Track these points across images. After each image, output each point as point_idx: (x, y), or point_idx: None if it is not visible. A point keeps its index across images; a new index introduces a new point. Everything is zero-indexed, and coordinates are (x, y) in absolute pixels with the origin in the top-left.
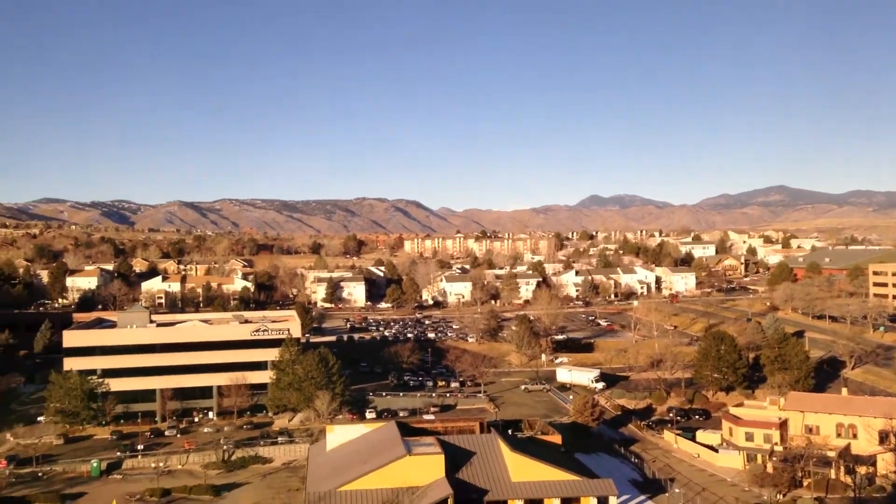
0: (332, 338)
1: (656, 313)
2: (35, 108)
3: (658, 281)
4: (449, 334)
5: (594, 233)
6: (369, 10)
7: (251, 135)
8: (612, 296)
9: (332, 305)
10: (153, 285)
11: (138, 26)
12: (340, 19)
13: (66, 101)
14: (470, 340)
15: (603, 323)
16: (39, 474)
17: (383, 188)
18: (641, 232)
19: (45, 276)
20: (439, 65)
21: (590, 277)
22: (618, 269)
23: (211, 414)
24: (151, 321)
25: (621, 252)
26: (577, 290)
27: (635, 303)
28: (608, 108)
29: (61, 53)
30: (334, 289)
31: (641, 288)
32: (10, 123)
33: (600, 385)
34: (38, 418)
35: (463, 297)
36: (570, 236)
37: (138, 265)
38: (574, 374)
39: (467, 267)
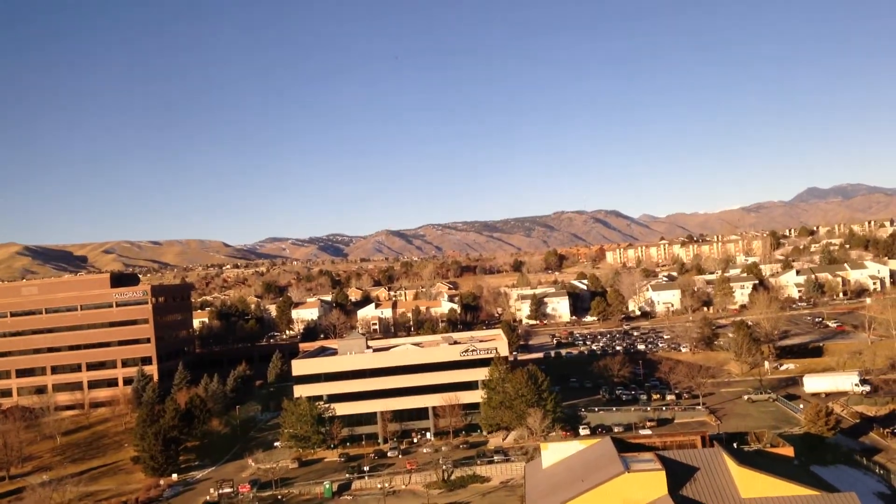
0: (540, 354)
1: (894, 310)
2: (258, 159)
3: (893, 275)
4: (660, 345)
5: (814, 228)
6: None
7: (450, 161)
8: (840, 294)
9: (537, 322)
10: (367, 312)
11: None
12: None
13: (283, 153)
14: (683, 350)
15: (831, 324)
16: (279, 497)
17: (581, 200)
18: (869, 223)
19: (272, 309)
20: (622, 66)
21: (813, 276)
22: (845, 265)
23: (428, 434)
24: (368, 347)
25: (847, 246)
26: (798, 291)
27: (868, 300)
28: (822, 87)
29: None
30: (538, 305)
31: (874, 284)
32: (237, 174)
33: (866, 388)
34: (275, 444)
35: (672, 305)
36: (786, 234)
37: (353, 294)
38: (826, 380)
39: (674, 274)
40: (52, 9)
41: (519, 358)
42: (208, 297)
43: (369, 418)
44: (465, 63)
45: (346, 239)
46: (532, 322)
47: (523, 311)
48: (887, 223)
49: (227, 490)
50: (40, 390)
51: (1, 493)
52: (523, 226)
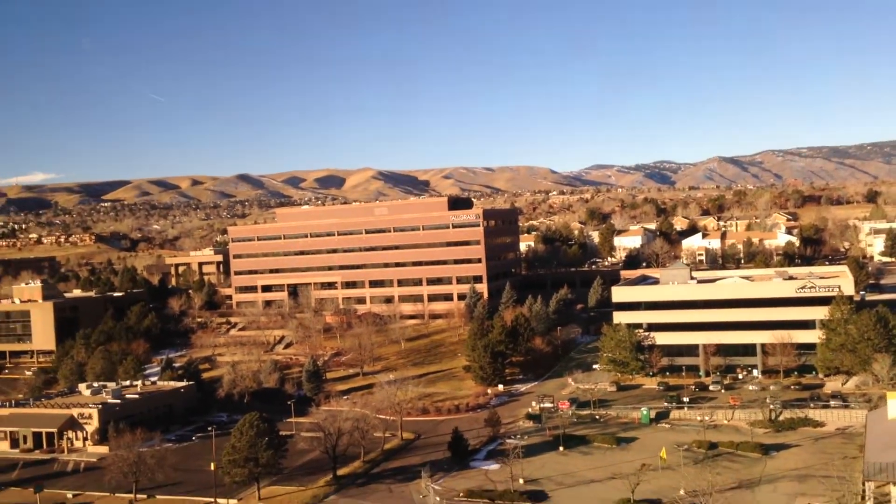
0: (894, 296)
1: None
2: (584, 85)
3: None
4: None
5: None
6: None
7: (793, 75)
8: None
9: (893, 260)
10: (693, 242)
11: None
12: None
13: (609, 78)
14: None
15: None
16: (597, 417)
17: None
18: None
19: (595, 236)
20: None
21: None
22: None
23: (755, 372)
24: (692, 278)
25: None
26: None
27: None
28: None
29: None
30: (895, 241)
31: None
32: (567, 102)
33: None
34: (594, 366)
35: None
36: None
37: (678, 223)
38: None
39: None
40: None
41: (867, 298)
42: (534, 222)
43: (690, 350)
44: None
45: (673, 166)
46: (886, 259)
47: (875, 246)
48: None
49: (548, 405)
50: (388, 300)
51: (356, 388)
52: (882, 151)
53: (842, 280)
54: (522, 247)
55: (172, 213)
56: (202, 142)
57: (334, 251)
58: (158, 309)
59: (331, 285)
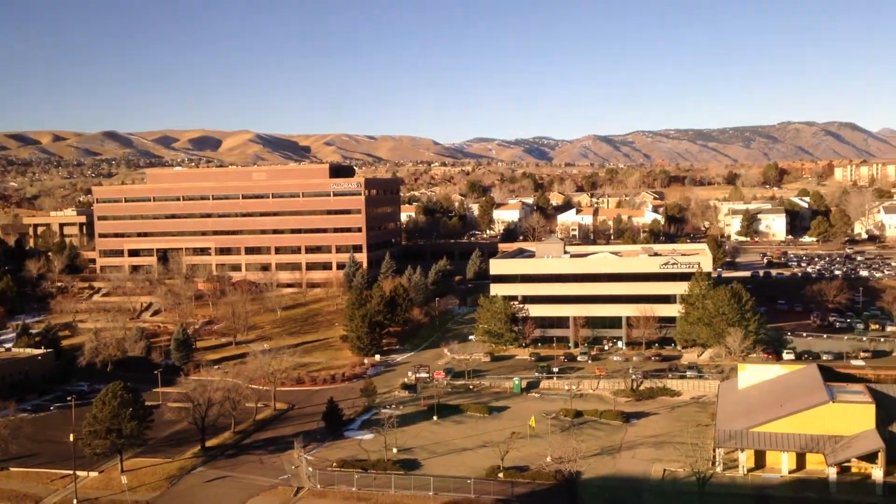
0: (747, 273)
1: None
2: (468, 58)
3: None
4: (886, 272)
5: None
6: None
7: (660, 59)
8: None
9: (748, 239)
10: (567, 218)
11: None
12: None
13: (497, 53)
14: None
15: None
16: (471, 386)
17: (812, 110)
18: None
19: (475, 209)
20: None
21: None
22: None
23: (620, 343)
24: (566, 252)
25: None
26: None
27: None
28: None
29: None
30: (750, 221)
31: None
32: (449, 75)
33: None
34: (470, 337)
35: None
36: None
37: (555, 198)
38: None
39: None
40: None
41: (724, 275)
42: (416, 193)
43: (562, 322)
44: None
45: (551, 142)
46: (742, 239)
47: (733, 226)
48: None
49: (424, 375)
50: (265, 268)
51: (228, 357)
52: (742, 136)
53: (701, 257)
54: (403, 217)
55: (32, 169)
56: (65, 94)
57: (209, 216)
58: (14, 271)
59: (204, 251)
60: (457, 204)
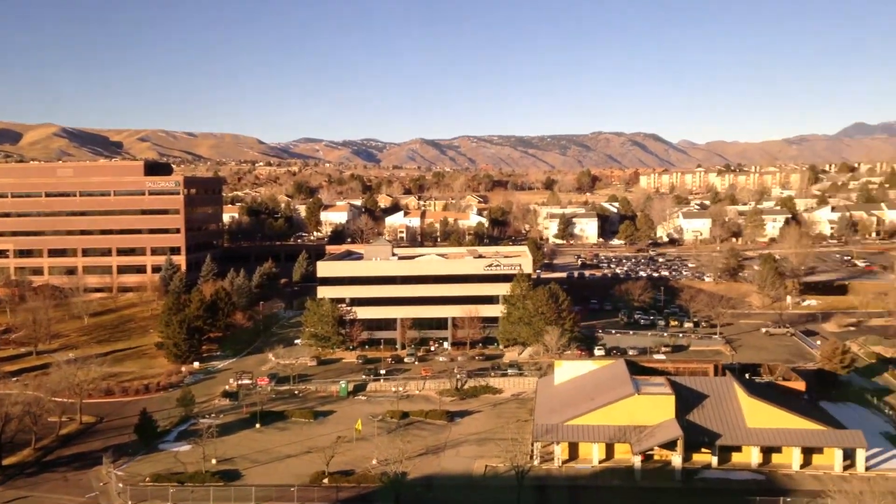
0: (563, 274)
1: None
2: (297, 56)
3: None
4: (684, 273)
5: (856, 164)
6: None
7: (486, 68)
8: (874, 234)
9: (564, 242)
10: (396, 220)
11: None
12: None
13: (324, 53)
14: (706, 280)
15: (860, 264)
16: (296, 392)
17: (620, 121)
18: None
19: (302, 210)
20: None
21: (847, 214)
22: (882, 204)
23: (446, 344)
24: (394, 254)
25: (887, 186)
26: (831, 228)
27: None
28: (876, 18)
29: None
30: (566, 225)
31: None
32: (275, 73)
33: None
34: (296, 341)
35: (701, 234)
36: (826, 169)
37: (383, 201)
38: None
39: (707, 203)
40: None
41: (542, 276)
42: (239, 193)
43: (389, 324)
44: None
45: (379, 145)
46: (559, 241)
47: (551, 229)
48: None
49: (246, 381)
50: (71, 271)
51: (28, 368)
52: (559, 144)
53: (522, 259)
54: (226, 218)
55: None
56: None
57: (6, 215)
58: None
59: (1, 254)
60: (283, 205)
